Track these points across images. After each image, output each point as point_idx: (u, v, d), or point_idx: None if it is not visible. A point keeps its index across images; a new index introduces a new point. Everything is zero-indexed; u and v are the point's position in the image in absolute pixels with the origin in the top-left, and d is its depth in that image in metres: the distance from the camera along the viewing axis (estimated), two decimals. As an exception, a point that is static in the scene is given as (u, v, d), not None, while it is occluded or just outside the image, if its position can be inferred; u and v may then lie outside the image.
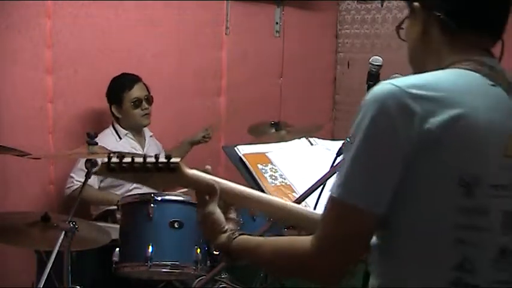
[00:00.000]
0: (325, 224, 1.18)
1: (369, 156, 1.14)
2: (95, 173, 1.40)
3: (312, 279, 1.22)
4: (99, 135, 3.42)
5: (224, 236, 1.35)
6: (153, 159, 1.34)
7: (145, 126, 3.66)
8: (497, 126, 1.17)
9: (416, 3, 1.29)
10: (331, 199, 1.17)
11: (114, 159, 1.33)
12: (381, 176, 1.14)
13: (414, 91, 1.14)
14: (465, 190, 1.14)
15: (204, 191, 1.38)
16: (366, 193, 1.14)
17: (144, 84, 3.60)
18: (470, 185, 1.14)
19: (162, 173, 1.34)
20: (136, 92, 3.54)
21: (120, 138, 3.57)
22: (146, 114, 3.58)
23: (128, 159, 1.33)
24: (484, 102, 1.17)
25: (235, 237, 1.33)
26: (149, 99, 3.59)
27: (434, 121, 1.12)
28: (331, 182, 1.83)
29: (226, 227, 1.36)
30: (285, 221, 1.48)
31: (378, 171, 1.14)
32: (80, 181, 3.34)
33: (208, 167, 1.42)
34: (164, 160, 1.34)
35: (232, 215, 1.41)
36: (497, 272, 1.17)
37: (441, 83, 1.18)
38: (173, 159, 1.34)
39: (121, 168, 1.33)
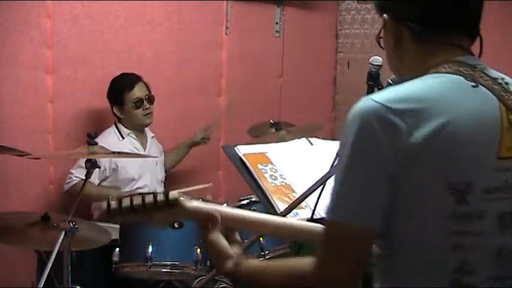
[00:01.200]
0: (323, 247, 1.18)
1: (356, 175, 1.15)
2: (96, 220, 1.39)
3: None
4: (101, 135, 3.43)
5: (230, 262, 1.34)
6: (151, 199, 1.34)
7: (147, 126, 3.66)
8: (486, 129, 1.17)
9: (385, 15, 1.30)
10: (326, 222, 1.18)
11: (113, 205, 1.34)
12: (371, 193, 1.14)
13: (396, 106, 1.14)
14: (456, 198, 1.14)
15: (206, 221, 1.39)
16: (358, 211, 1.14)
17: (145, 83, 3.60)
18: (461, 192, 1.14)
19: (162, 210, 1.36)
20: (137, 92, 3.53)
21: (123, 137, 3.57)
22: (148, 113, 3.58)
23: (126, 202, 1.34)
24: (468, 106, 1.17)
25: (241, 264, 1.33)
26: (150, 99, 3.59)
27: (419, 134, 1.12)
28: (331, 182, 1.84)
29: (230, 253, 1.36)
30: (293, 239, 1.48)
31: (366, 188, 1.14)
32: (78, 177, 3.36)
33: (208, 196, 1.43)
34: (163, 198, 1.35)
35: (236, 237, 1.42)
36: (495, 269, 1.18)
37: (422, 93, 1.17)
38: (171, 196, 1.35)
39: (121, 212, 1.35)
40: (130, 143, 3.58)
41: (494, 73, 1.26)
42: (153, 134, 3.75)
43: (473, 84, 1.20)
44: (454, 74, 1.21)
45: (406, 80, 1.25)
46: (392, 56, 1.33)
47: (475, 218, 1.15)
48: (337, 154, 1.20)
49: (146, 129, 3.71)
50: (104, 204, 1.34)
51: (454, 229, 1.14)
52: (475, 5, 1.27)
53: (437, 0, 1.25)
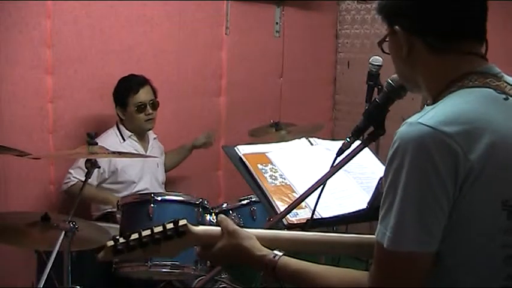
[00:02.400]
0: (381, 271, 1.19)
1: (417, 202, 1.14)
2: (100, 259, 1.31)
3: None
4: (102, 135, 3.43)
5: (267, 252, 1.33)
6: (160, 228, 1.30)
7: (148, 131, 3.65)
8: None
9: (397, 27, 1.29)
10: (385, 250, 1.17)
11: (121, 240, 1.28)
12: (431, 219, 1.15)
13: (447, 129, 1.14)
14: (509, 212, 1.17)
15: (218, 240, 1.37)
16: (419, 238, 1.15)
17: (152, 87, 3.59)
18: None
19: (172, 240, 1.32)
20: (142, 96, 3.52)
21: (124, 139, 3.56)
22: (150, 119, 3.56)
23: (134, 236, 1.28)
24: (507, 121, 1.19)
25: (279, 257, 1.32)
26: (154, 104, 3.57)
27: (474, 157, 1.13)
28: (331, 182, 1.84)
29: (263, 252, 1.34)
30: (327, 253, 1.47)
31: (427, 215, 1.15)
32: (76, 178, 3.36)
33: (220, 217, 1.42)
34: (172, 226, 1.31)
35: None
36: None
37: (467, 114, 1.18)
38: (181, 222, 1.31)
39: (129, 247, 1.28)
40: (131, 145, 3.57)
41: (509, 78, 1.28)
42: (155, 136, 3.75)
43: (504, 96, 1.22)
44: (483, 87, 1.23)
45: (415, 87, 1.28)
46: (403, 64, 1.32)
47: None
48: (385, 179, 1.19)
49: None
50: (110, 242, 1.28)
51: (506, 242, 1.18)
52: (483, 11, 1.28)
53: (450, 13, 1.24)
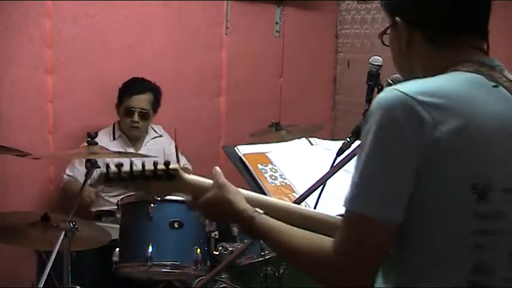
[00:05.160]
0: (343, 235, 1.16)
1: (380, 166, 1.13)
2: (95, 185, 1.41)
3: (331, 284, 1.21)
4: (99, 132, 3.45)
5: (246, 211, 1.34)
6: (151, 167, 1.34)
7: (133, 138, 3.62)
8: (506, 129, 1.17)
9: (397, 18, 1.29)
10: (346, 212, 1.16)
11: (113, 169, 1.34)
12: (393, 186, 1.13)
13: (421, 98, 1.13)
14: (478, 196, 1.13)
15: (205, 192, 1.39)
16: (379, 203, 1.13)
17: (155, 96, 3.56)
18: (483, 190, 1.13)
19: (161, 180, 1.35)
20: (134, 102, 3.50)
21: (114, 138, 3.57)
22: (134, 127, 3.53)
23: (126, 168, 1.34)
24: (490, 106, 1.17)
25: (257, 216, 1.33)
26: (145, 115, 3.53)
27: (444, 129, 1.11)
28: (331, 182, 1.84)
29: (245, 206, 1.35)
30: (304, 226, 1.48)
31: (389, 180, 1.13)
32: (69, 175, 3.42)
33: (215, 169, 1.42)
34: (163, 167, 1.35)
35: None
36: (510, 270, 1.17)
37: (446, 90, 1.17)
38: (172, 166, 1.35)
39: (120, 177, 1.34)
40: (120, 144, 3.57)
41: (510, 75, 1.27)
42: (156, 135, 3.73)
43: (494, 84, 1.21)
44: (474, 73, 1.21)
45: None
46: (402, 56, 1.32)
47: (495, 217, 1.15)
48: (359, 145, 1.18)
49: (150, 130, 3.70)
50: (103, 169, 1.35)
51: (475, 228, 1.14)
52: (485, 6, 1.28)
53: (451, 6, 1.24)
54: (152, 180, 1.35)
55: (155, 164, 1.35)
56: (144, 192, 1.43)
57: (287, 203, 1.49)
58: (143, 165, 1.35)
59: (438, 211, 1.14)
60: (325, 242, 1.19)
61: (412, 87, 1.16)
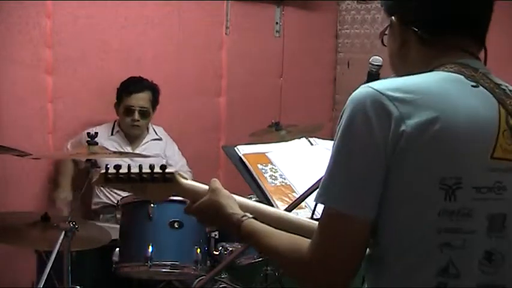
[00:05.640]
0: (317, 233, 1.17)
1: (346, 159, 1.14)
2: (93, 184, 1.44)
3: (310, 284, 1.21)
4: (99, 127, 3.46)
5: (235, 215, 1.35)
6: (148, 170, 1.37)
7: (134, 136, 3.63)
8: (481, 128, 1.15)
9: (393, 18, 1.30)
10: (322, 210, 1.17)
11: (111, 170, 1.37)
12: (361, 178, 1.13)
13: (391, 93, 1.14)
14: (447, 193, 1.12)
15: (201, 197, 1.40)
16: (346, 197, 1.13)
17: (154, 95, 3.58)
18: (451, 187, 1.12)
19: (157, 183, 1.38)
20: (133, 100, 3.51)
21: (113, 134, 3.59)
22: (134, 125, 3.55)
23: (124, 170, 1.37)
24: (465, 104, 1.16)
25: (247, 219, 1.33)
26: (145, 113, 3.55)
27: (410, 123, 1.11)
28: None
29: (237, 210, 1.37)
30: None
31: (356, 173, 1.13)
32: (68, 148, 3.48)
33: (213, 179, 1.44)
34: (159, 170, 1.37)
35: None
36: (483, 275, 1.15)
37: (419, 86, 1.17)
38: (168, 169, 1.37)
39: (118, 178, 1.37)
40: (116, 141, 3.58)
41: (499, 80, 1.25)
42: (157, 137, 3.73)
43: (473, 84, 1.20)
44: (457, 73, 1.21)
45: None
46: (396, 56, 1.32)
47: (464, 216, 1.13)
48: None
49: (151, 129, 3.70)
50: (102, 170, 1.38)
51: (443, 225, 1.12)
52: (481, 9, 1.27)
53: (444, 7, 1.24)
54: (149, 183, 1.37)
55: (152, 167, 1.37)
56: (141, 195, 1.45)
57: (280, 211, 1.49)
58: (140, 168, 1.37)
59: (406, 207, 1.13)
60: (305, 242, 1.19)
61: (385, 84, 1.17)
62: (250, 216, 1.35)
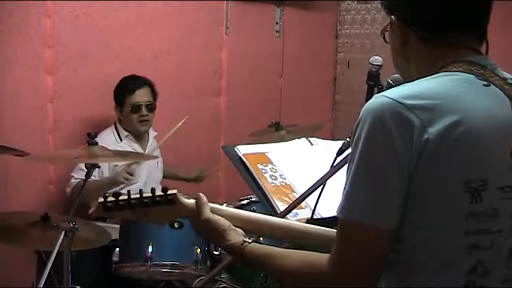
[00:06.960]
0: (340, 246, 1.16)
1: (369, 172, 1.14)
2: (91, 214, 1.39)
3: None
4: (100, 134, 3.41)
5: (236, 240, 1.36)
6: (149, 194, 1.33)
7: (142, 132, 3.63)
8: (498, 128, 1.16)
9: (393, 17, 1.30)
10: (339, 222, 1.17)
11: (110, 198, 1.32)
12: (384, 191, 1.13)
13: (408, 102, 1.13)
14: (472, 195, 1.13)
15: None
16: (370, 210, 1.13)
17: (152, 89, 3.58)
18: (476, 190, 1.13)
19: (160, 206, 1.34)
20: (138, 97, 3.51)
21: (121, 139, 3.56)
22: (144, 121, 3.55)
23: (124, 197, 1.32)
24: (480, 104, 1.16)
25: (248, 244, 1.34)
26: (151, 106, 3.56)
27: (433, 130, 1.11)
28: (331, 182, 1.84)
29: (230, 226, 1.38)
30: (296, 242, 1.49)
31: (380, 186, 1.13)
32: (78, 178, 3.34)
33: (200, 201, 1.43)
34: (161, 193, 1.34)
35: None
36: (508, 270, 1.17)
37: (434, 91, 1.17)
38: (170, 191, 1.34)
39: (118, 206, 1.32)
40: (128, 144, 3.57)
41: (505, 74, 1.26)
42: (156, 133, 3.74)
43: (484, 83, 1.20)
44: (465, 72, 1.21)
45: (410, 80, 1.25)
46: (398, 55, 1.32)
47: (490, 217, 1.14)
48: (349, 154, 1.18)
49: (151, 130, 3.70)
50: (100, 199, 1.33)
51: (470, 228, 1.13)
52: (482, 6, 1.27)
53: (444, 6, 1.24)
54: (151, 206, 1.34)
55: (153, 190, 1.34)
56: (144, 220, 1.41)
57: (269, 217, 1.48)
58: (141, 192, 1.34)
59: (432, 212, 1.13)
60: (317, 258, 1.20)
61: (400, 92, 1.16)
62: (249, 240, 1.35)
